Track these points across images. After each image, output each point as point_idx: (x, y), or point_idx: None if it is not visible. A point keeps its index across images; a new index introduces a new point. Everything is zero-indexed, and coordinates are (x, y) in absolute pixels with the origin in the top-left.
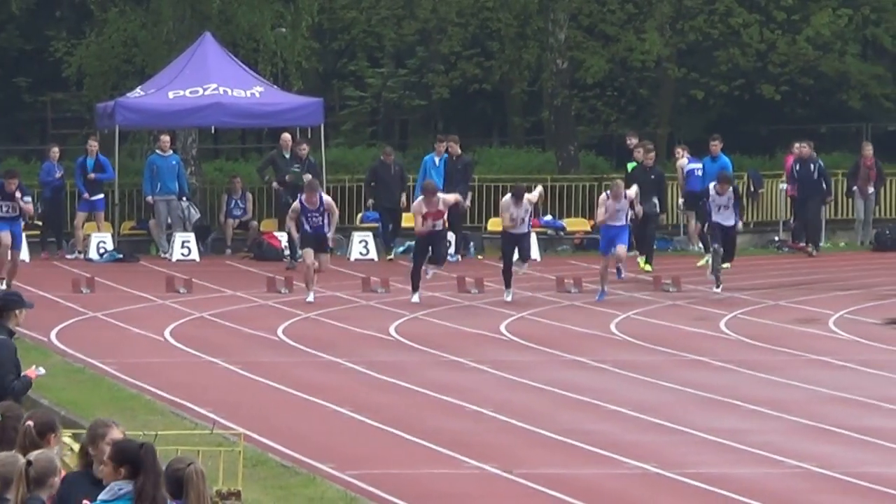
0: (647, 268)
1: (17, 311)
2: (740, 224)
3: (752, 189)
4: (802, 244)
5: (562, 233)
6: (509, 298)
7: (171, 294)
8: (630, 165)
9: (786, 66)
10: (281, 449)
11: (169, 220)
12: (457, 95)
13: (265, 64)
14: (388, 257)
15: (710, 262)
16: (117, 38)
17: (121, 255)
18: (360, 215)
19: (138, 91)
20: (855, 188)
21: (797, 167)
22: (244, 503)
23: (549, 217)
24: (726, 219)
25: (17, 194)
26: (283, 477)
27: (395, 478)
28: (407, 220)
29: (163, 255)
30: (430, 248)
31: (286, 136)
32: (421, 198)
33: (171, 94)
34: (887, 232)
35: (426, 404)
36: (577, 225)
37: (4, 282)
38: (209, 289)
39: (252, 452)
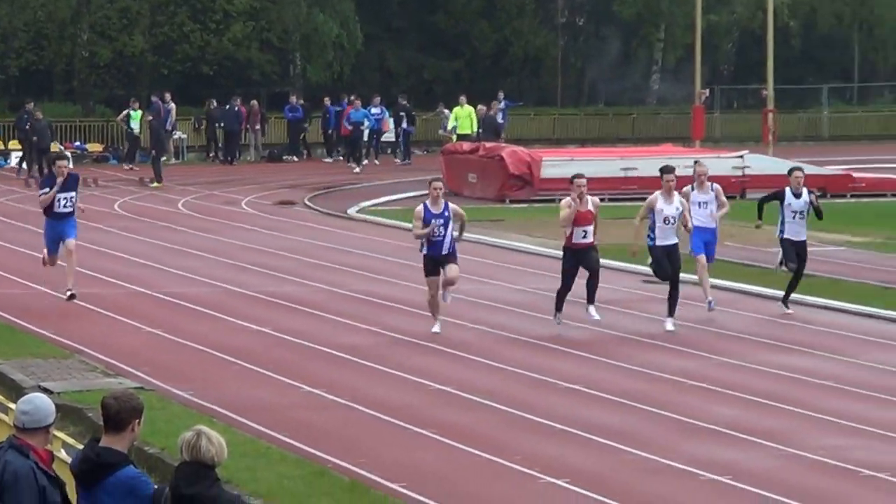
0: (157, 184)
1: None
2: None
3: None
4: (226, 160)
5: (86, 151)
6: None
7: None
8: (133, 115)
9: (216, 55)
10: None
11: None
12: (23, 73)
13: None
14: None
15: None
16: None
17: None
18: None
19: None
20: (248, 126)
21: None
22: None
23: (78, 142)
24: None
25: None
26: None
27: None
28: None
29: None
30: (579, 268)
31: None
32: (571, 197)
33: None
34: (275, 151)
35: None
36: (94, 147)
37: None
38: None
39: None
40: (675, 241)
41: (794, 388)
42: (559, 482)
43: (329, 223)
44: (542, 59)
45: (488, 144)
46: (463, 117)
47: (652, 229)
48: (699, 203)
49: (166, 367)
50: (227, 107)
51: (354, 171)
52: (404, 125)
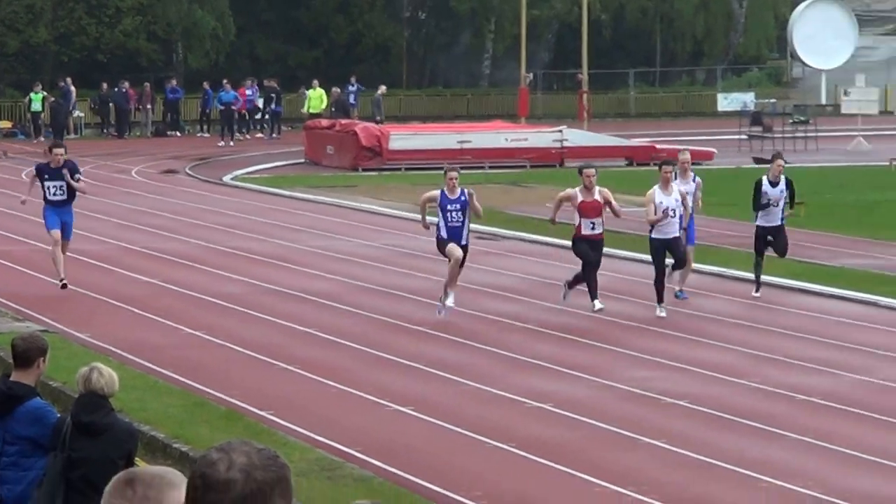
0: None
1: None
2: None
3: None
4: (115, 133)
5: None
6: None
7: None
8: (34, 96)
9: (109, 45)
10: None
11: None
12: None
13: None
14: None
15: None
16: None
17: None
18: None
19: None
20: (140, 107)
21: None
22: None
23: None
24: None
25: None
26: None
27: None
28: None
29: None
30: (588, 256)
31: None
32: (578, 188)
33: None
34: (160, 127)
35: None
36: (4, 124)
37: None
38: None
39: None
40: (676, 233)
41: (606, 327)
42: (405, 409)
43: (207, 189)
44: (389, 48)
45: (343, 121)
46: (315, 98)
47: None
48: (680, 191)
49: (68, 313)
50: (116, 89)
51: (219, 144)
52: (273, 105)
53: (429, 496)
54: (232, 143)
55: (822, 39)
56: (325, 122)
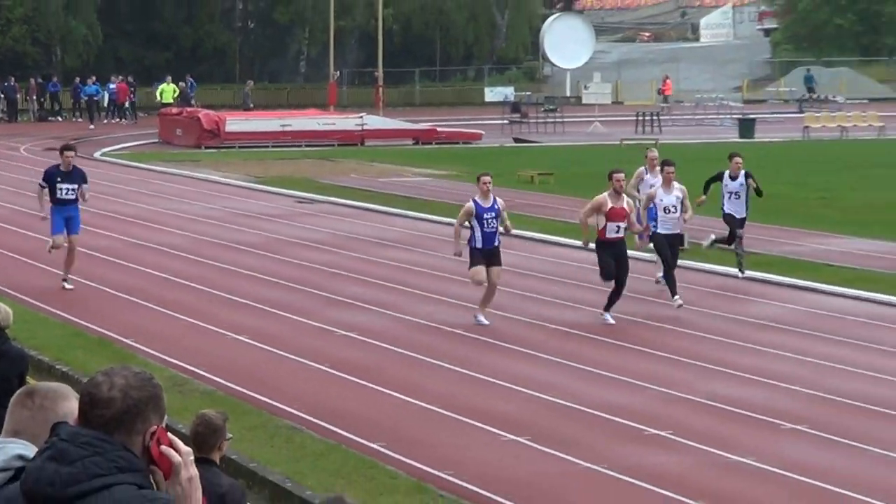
0: None
1: None
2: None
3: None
4: (6, 119)
5: None
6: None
7: None
8: None
9: (1, 48)
10: None
11: None
12: None
13: None
14: None
15: None
16: None
17: None
18: None
19: None
20: (27, 97)
21: None
22: None
23: None
24: None
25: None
26: None
27: None
28: None
29: None
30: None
31: None
32: (607, 192)
33: None
34: (43, 114)
35: None
36: None
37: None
38: None
39: None
40: (678, 230)
41: (400, 273)
42: (241, 337)
43: (81, 163)
44: (226, 51)
45: (189, 108)
46: (167, 91)
47: (654, 218)
48: (651, 185)
49: None
50: (6, 84)
51: (90, 128)
52: (132, 97)
53: (260, 406)
54: (93, 127)
55: (566, 45)
56: (174, 110)
